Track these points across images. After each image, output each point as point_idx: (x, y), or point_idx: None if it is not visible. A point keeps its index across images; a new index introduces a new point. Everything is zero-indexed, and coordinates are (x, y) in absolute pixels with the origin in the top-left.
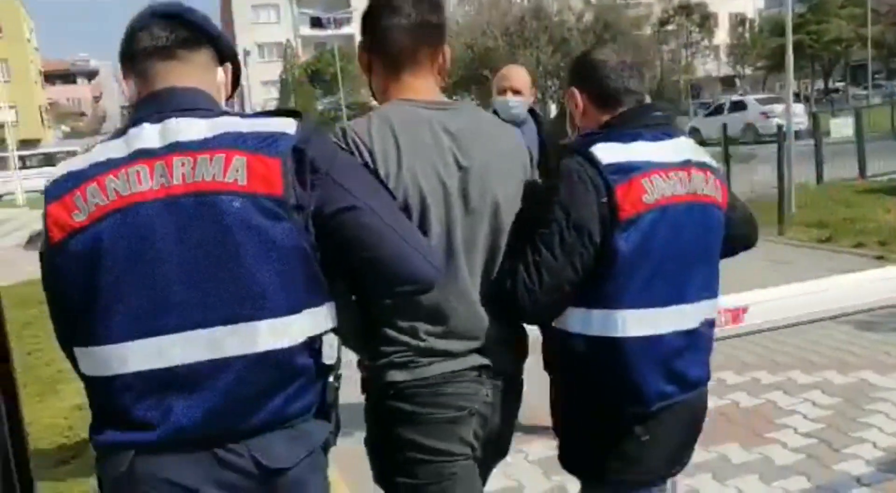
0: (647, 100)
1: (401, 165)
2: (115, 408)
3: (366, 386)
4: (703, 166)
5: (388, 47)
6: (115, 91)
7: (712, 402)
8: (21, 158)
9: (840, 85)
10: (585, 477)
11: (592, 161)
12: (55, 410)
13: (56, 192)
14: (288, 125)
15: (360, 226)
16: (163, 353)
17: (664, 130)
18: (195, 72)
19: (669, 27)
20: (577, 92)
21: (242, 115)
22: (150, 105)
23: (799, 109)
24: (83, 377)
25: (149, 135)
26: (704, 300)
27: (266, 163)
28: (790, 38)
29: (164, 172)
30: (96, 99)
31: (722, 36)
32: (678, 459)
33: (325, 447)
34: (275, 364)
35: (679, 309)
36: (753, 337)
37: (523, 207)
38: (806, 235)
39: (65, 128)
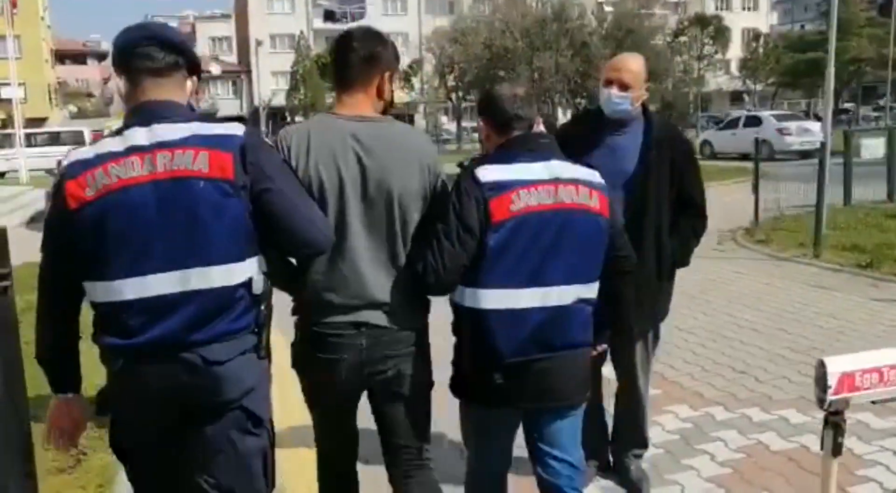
0: (538, 125)
1: (308, 159)
2: (114, 323)
3: (296, 323)
4: (573, 181)
5: (336, 74)
6: None
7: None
8: (27, 136)
9: (849, 105)
10: (464, 399)
11: (476, 180)
12: None
13: (71, 173)
14: (237, 129)
15: (272, 203)
16: (147, 287)
17: (543, 153)
18: (175, 88)
19: (683, 38)
20: (481, 121)
21: (204, 120)
22: (140, 114)
23: (816, 127)
24: (91, 303)
25: (139, 136)
26: (574, 284)
27: (222, 156)
28: (832, 56)
29: (151, 163)
30: (105, 81)
31: (734, 50)
32: (545, 401)
33: (258, 354)
34: (225, 296)
35: (541, 291)
36: None
37: (431, 211)
38: (843, 259)
39: (72, 108)
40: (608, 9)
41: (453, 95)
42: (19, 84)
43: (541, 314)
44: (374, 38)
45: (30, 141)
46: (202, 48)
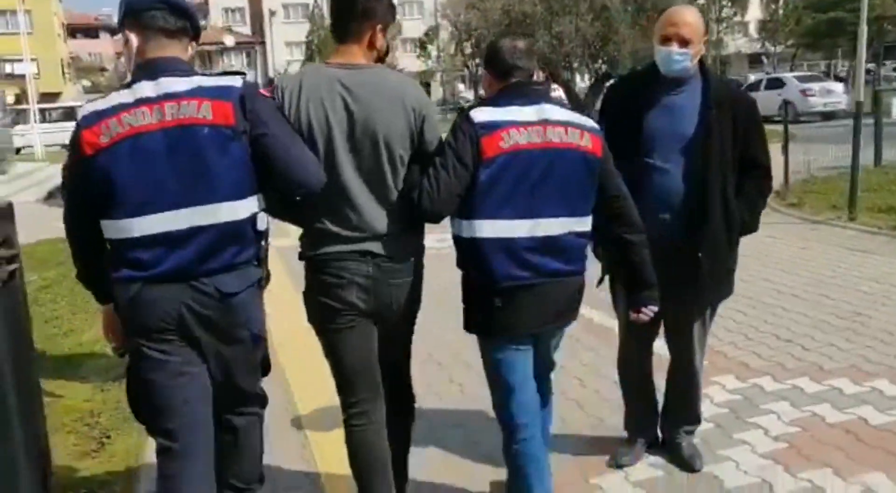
0: (537, 74)
1: (299, 104)
2: (128, 257)
3: (301, 258)
4: (563, 123)
5: (333, 26)
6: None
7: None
8: (41, 111)
9: (871, 66)
10: (476, 333)
11: (470, 120)
12: (76, 390)
13: (86, 123)
14: (236, 81)
15: (268, 146)
16: (160, 223)
17: (535, 98)
18: (180, 48)
19: (701, 1)
20: (485, 70)
21: (206, 74)
22: (148, 70)
23: (839, 87)
24: (108, 240)
25: (147, 88)
26: (563, 217)
27: (224, 105)
28: (865, 13)
29: (159, 112)
30: (118, 55)
31: (753, 12)
32: (540, 323)
33: (260, 285)
34: (230, 231)
35: (531, 222)
36: None
37: (432, 147)
38: (880, 222)
39: (85, 82)
40: None
41: (470, 63)
42: (32, 59)
43: (531, 243)
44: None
45: (44, 116)
46: (216, 19)
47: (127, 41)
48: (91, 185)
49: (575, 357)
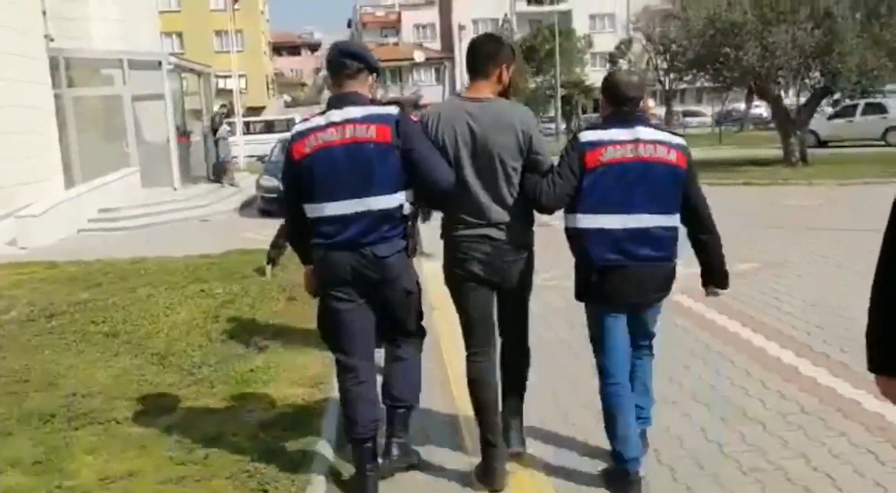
0: (646, 101)
1: (438, 128)
2: (319, 229)
3: (442, 238)
4: (653, 142)
5: (467, 66)
6: None
7: None
8: (245, 124)
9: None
10: (583, 300)
11: (578, 140)
12: (239, 428)
13: (295, 139)
14: (394, 110)
15: (413, 158)
16: (339, 208)
17: (631, 122)
18: (359, 84)
19: None
20: (603, 97)
21: (376, 104)
22: (337, 102)
23: None
24: (309, 219)
25: (335, 115)
26: (649, 214)
27: (384, 128)
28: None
29: (342, 132)
30: (317, 71)
31: None
32: (633, 297)
33: (407, 252)
34: (386, 214)
35: (623, 217)
36: None
37: (543, 158)
38: None
39: (287, 97)
40: None
41: (665, 79)
42: (240, 75)
43: (623, 233)
44: (493, 41)
45: (248, 129)
46: (407, 36)
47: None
48: (298, 180)
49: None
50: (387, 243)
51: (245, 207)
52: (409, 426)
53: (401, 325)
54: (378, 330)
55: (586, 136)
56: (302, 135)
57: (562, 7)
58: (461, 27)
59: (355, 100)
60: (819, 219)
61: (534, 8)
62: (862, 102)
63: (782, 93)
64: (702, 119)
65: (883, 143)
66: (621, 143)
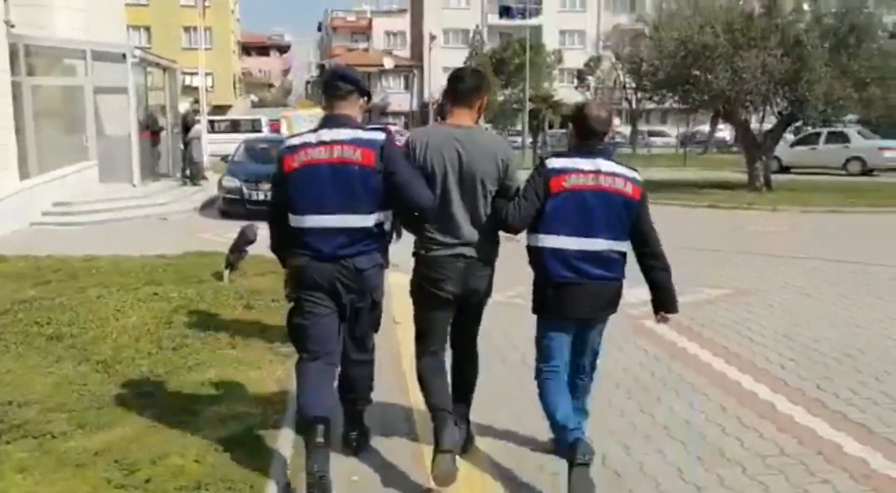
0: (610, 134)
1: (425, 153)
2: (302, 240)
3: (413, 255)
4: (612, 174)
5: (451, 96)
6: (303, 67)
7: None
8: (210, 122)
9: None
10: (536, 313)
11: (544, 166)
12: (187, 445)
13: (286, 152)
14: (380, 135)
15: (396, 182)
16: (322, 221)
17: (594, 155)
18: (350, 106)
19: None
20: (571, 127)
21: (364, 128)
22: (329, 122)
23: None
24: (291, 228)
25: (325, 134)
26: (604, 238)
27: (369, 152)
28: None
29: (329, 151)
30: (285, 72)
31: None
32: (584, 313)
33: (381, 267)
34: (364, 231)
35: (581, 239)
36: None
37: (513, 184)
38: None
39: (254, 97)
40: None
41: (632, 97)
42: (207, 74)
43: (578, 254)
44: (477, 75)
45: (213, 127)
46: (377, 42)
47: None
48: (286, 191)
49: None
50: (366, 256)
51: (206, 207)
52: (364, 423)
53: (362, 331)
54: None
55: (553, 163)
56: (293, 150)
57: (533, 21)
58: (432, 37)
59: (346, 122)
60: (784, 246)
61: (505, 21)
62: (825, 131)
63: (749, 118)
64: (666, 139)
65: (844, 171)
66: (584, 172)
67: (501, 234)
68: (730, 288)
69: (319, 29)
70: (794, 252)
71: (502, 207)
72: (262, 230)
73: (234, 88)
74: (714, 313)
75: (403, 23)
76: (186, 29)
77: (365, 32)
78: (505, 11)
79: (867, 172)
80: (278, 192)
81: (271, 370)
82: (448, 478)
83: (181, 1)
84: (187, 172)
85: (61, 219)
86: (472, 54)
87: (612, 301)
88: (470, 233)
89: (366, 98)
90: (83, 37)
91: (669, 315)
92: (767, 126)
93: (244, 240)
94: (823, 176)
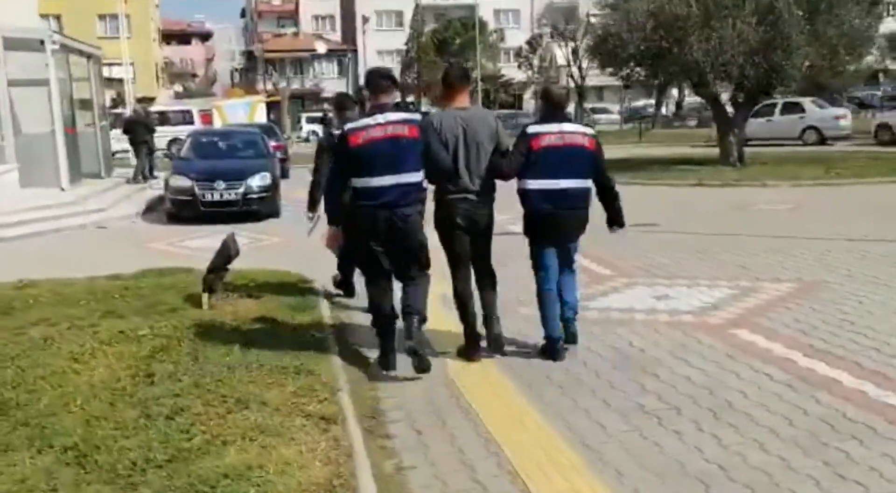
0: (570, 107)
1: (441, 128)
2: (368, 194)
3: (434, 198)
4: (573, 132)
5: (448, 85)
6: (226, 54)
7: None
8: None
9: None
10: (526, 235)
11: (526, 131)
12: None
13: (350, 132)
14: (417, 116)
15: (426, 148)
16: (381, 181)
17: (560, 120)
18: (390, 96)
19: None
20: (541, 101)
21: (406, 109)
22: (379, 109)
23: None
24: (355, 188)
25: (379, 118)
26: (575, 179)
27: (413, 127)
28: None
29: (384, 129)
30: (208, 61)
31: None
32: (561, 237)
33: (421, 214)
34: (410, 186)
35: (556, 181)
36: None
37: (503, 141)
38: None
39: (177, 87)
40: None
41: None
42: (129, 63)
43: (556, 191)
44: (464, 70)
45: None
46: (305, 26)
47: None
48: (351, 161)
49: None
50: (411, 207)
51: (149, 211)
52: (420, 333)
53: (414, 262)
54: (394, 267)
55: (531, 129)
56: (355, 130)
57: (468, 1)
58: (365, 19)
59: (390, 107)
60: (808, 226)
61: (440, 1)
62: (780, 102)
63: (718, 91)
64: (610, 116)
65: (800, 142)
66: (553, 133)
67: (498, 182)
68: (792, 281)
69: (243, 15)
70: (824, 232)
71: (498, 161)
72: (243, 239)
73: (157, 78)
74: (801, 314)
75: (332, 6)
76: (102, 17)
77: (292, 17)
78: None
79: (822, 141)
80: (342, 161)
81: (310, 443)
82: (475, 356)
83: None
84: (149, 173)
85: None
86: (412, 35)
87: (581, 225)
88: (474, 184)
89: (396, 89)
90: None
91: (620, 229)
92: (738, 99)
93: (226, 256)
94: (782, 147)
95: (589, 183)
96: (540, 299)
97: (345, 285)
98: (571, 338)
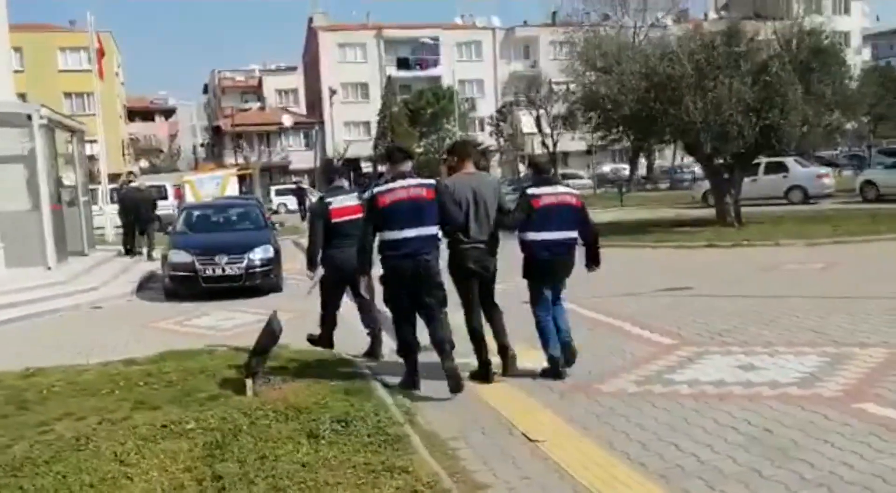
0: (552, 172)
1: (454, 190)
2: (393, 246)
3: (449, 248)
4: (564, 193)
5: (459, 155)
6: (188, 130)
7: None
8: (112, 191)
9: None
10: (526, 278)
11: (526, 193)
12: None
13: (380, 194)
14: (433, 181)
15: (441, 208)
16: (405, 233)
17: (552, 183)
18: (406, 165)
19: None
20: (531, 169)
21: (421, 175)
22: (401, 176)
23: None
24: (382, 240)
25: (401, 182)
26: (566, 232)
27: (430, 190)
28: None
29: (407, 192)
30: (172, 137)
31: None
32: (557, 278)
33: (437, 260)
34: (429, 238)
35: (554, 233)
36: None
37: (504, 202)
38: None
39: (143, 163)
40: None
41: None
42: (93, 141)
43: (551, 242)
44: (466, 143)
45: (112, 197)
46: (270, 101)
47: None
48: (380, 218)
49: None
50: (430, 254)
51: (143, 289)
52: (453, 357)
53: (434, 301)
54: (418, 306)
55: (531, 191)
56: (383, 192)
57: (432, 72)
58: (332, 92)
59: (410, 174)
60: (855, 285)
61: (404, 73)
62: (764, 162)
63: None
64: (581, 181)
65: (786, 201)
66: (549, 194)
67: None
68: (877, 345)
69: (206, 91)
70: (872, 291)
71: (503, 217)
72: (252, 317)
73: (123, 154)
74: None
75: (295, 80)
76: (68, 95)
77: (256, 91)
78: (403, 63)
79: (806, 199)
80: (373, 218)
81: None
82: (489, 379)
83: (59, 65)
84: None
85: None
86: (385, 105)
87: (569, 269)
88: (483, 235)
89: (410, 159)
90: None
91: (595, 268)
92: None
93: (274, 336)
94: (769, 207)
95: (576, 234)
96: (540, 327)
97: (324, 339)
98: (571, 358)
